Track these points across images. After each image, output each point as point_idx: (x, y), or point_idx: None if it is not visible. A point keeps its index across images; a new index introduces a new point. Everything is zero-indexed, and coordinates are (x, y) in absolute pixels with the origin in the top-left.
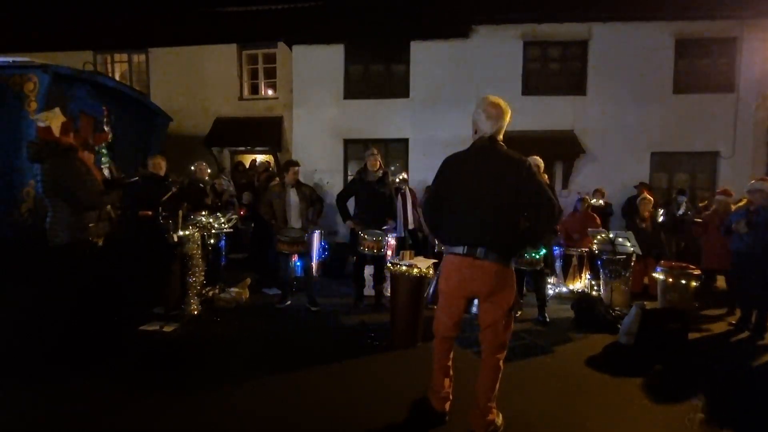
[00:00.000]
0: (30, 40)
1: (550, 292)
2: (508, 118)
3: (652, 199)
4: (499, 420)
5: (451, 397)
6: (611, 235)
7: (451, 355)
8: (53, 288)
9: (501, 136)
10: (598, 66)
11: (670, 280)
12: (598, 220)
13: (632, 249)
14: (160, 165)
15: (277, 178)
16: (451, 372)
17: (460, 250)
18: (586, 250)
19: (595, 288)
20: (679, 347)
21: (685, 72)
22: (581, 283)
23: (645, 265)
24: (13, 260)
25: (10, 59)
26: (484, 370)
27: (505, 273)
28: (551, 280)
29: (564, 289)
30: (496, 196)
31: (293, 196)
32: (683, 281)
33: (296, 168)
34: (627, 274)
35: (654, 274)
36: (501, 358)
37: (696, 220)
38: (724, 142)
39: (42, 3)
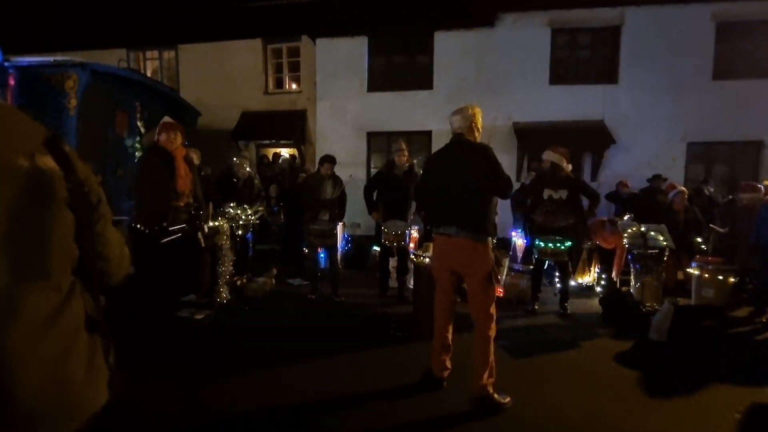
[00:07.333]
0: (68, 40)
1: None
2: (471, 112)
3: (685, 190)
4: (503, 399)
5: (449, 367)
6: (642, 229)
7: (450, 330)
8: None
9: (477, 132)
10: (631, 52)
11: (706, 275)
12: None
13: (665, 243)
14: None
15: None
16: (449, 344)
17: (440, 230)
18: (596, 243)
19: (603, 281)
20: (714, 345)
21: (726, 56)
22: (590, 276)
23: (679, 260)
24: None
25: (51, 58)
26: (475, 339)
27: (477, 247)
28: None
29: (572, 283)
30: (464, 181)
31: (328, 188)
32: (720, 277)
33: (331, 165)
34: (659, 269)
35: (689, 270)
36: (488, 327)
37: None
38: None
39: (79, 5)
